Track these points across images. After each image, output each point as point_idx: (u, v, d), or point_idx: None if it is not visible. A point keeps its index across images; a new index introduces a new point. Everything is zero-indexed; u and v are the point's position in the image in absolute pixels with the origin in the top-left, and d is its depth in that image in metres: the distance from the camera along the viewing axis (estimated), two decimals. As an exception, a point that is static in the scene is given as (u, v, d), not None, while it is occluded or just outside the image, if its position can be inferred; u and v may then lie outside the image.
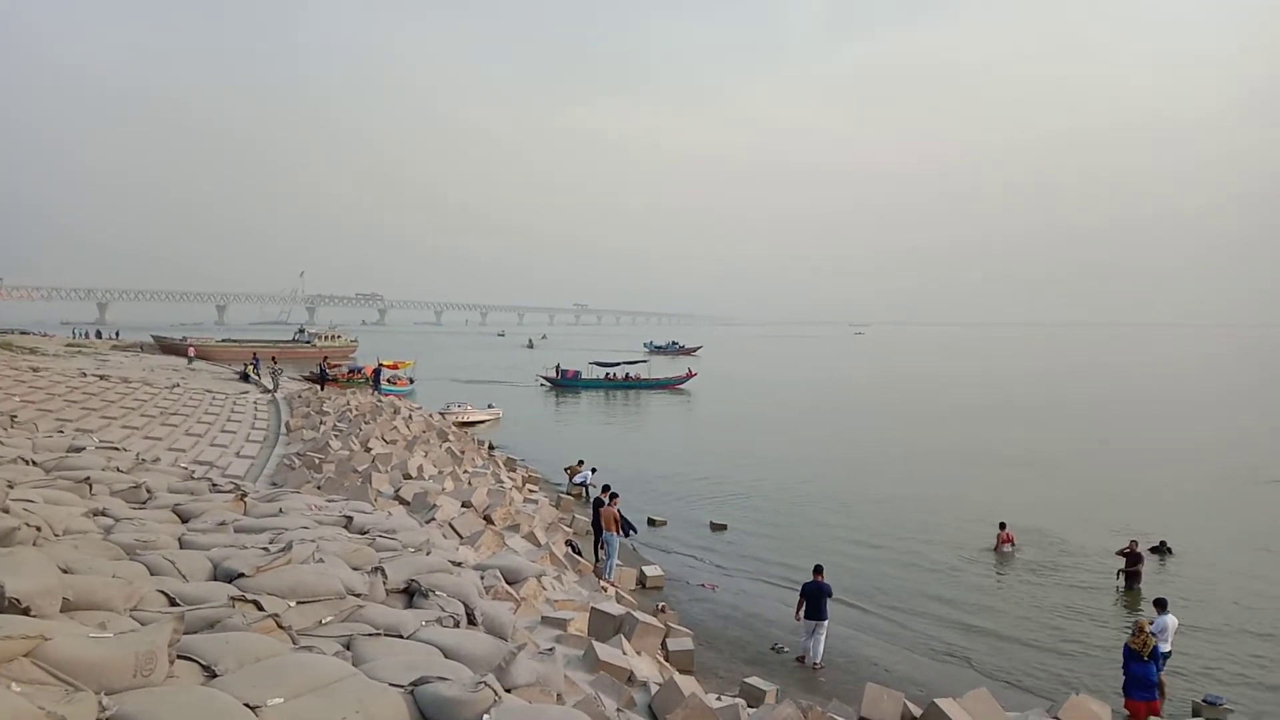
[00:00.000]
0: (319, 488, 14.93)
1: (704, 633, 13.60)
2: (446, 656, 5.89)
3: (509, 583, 9.68)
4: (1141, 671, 10.29)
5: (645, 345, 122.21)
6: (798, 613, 12.86)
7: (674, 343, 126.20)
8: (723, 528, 21.43)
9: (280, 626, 5.80)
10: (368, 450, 20.30)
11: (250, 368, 42.15)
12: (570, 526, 19.37)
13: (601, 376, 62.72)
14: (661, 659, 10.43)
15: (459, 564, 8.99)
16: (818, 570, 13.09)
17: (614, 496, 16.96)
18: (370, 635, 6.01)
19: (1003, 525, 19.73)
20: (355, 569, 7.35)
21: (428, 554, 8.54)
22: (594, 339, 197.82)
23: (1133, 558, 16.84)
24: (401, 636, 6.19)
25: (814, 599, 12.66)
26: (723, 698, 8.54)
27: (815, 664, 12.64)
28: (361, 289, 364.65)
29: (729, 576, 17.66)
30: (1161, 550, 18.56)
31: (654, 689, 7.78)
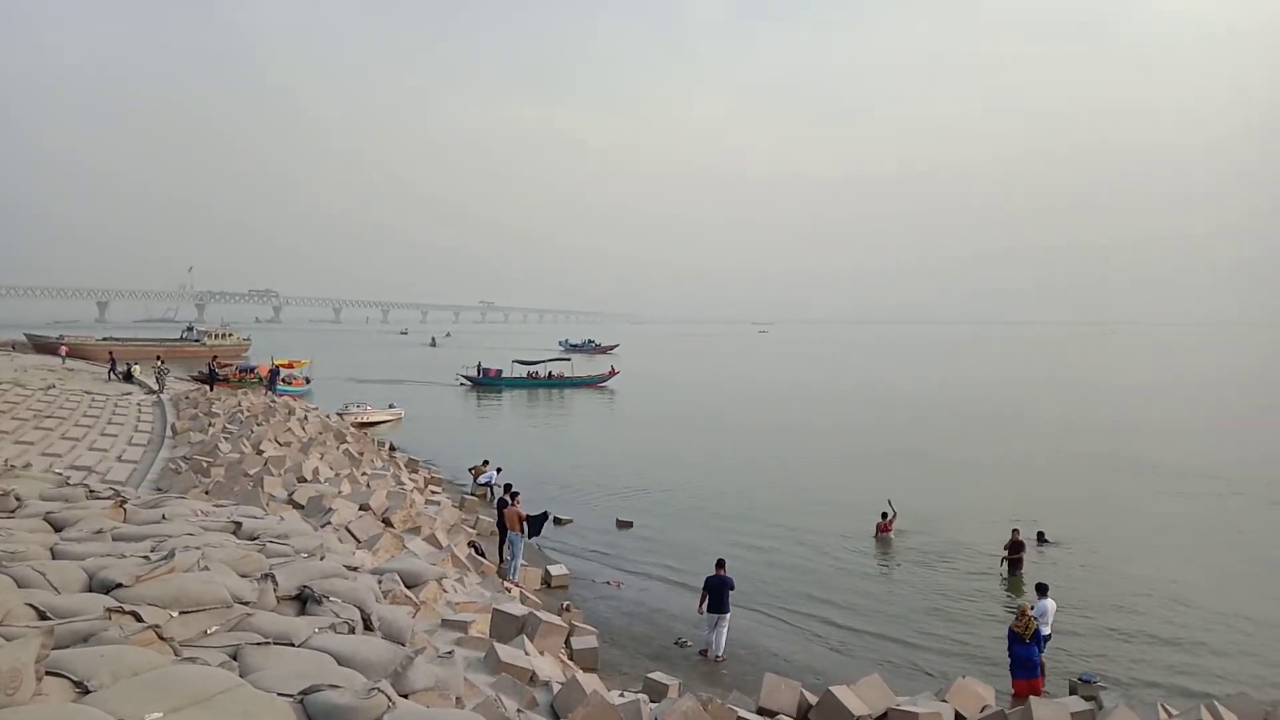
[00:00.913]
0: (207, 493, 14.35)
1: (609, 630, 13.66)
2: (340, 664, 5.75)
3: (408, 586, 9.50)
4: (1024, 653, 10.86)
5: (561, 344, 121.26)
6: (700, 606, 13.05)
7: (590, 341, 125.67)
8: (629, 525, 21.54)
9: (161, 638, 5.57)
10: (260, 453, 19.59)
11: (117, 368, 39.96)
12: (474, 528, 19.14)
13: (524, 375, 62.17)
14: (565, 658, 10.43)
15: (355, 569, 8.78)
16: (720, 564, 13.31)
17: (515, 495, 16.84)
18: (259, 644, 5.82)
19: (884, 515, 20.52)
20: (244, 576, 7.09)
21: (322, 559, 8.31)
22: (502, 337, 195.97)
23: (1015, 546, 17.71)
24: (293, 644, 6.02)
25: (716, 592, 12.86)
26: (625, 694, 8.60)
27: (717, 657, 12.84)
28: (255, 285, 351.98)
29: (634, 573, 17.77)
30: (1041, 539, 19.56)
31: (556, 688, 7.77)
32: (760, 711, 8.48)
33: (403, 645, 6.76)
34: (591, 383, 62.72)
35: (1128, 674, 12.86)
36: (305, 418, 29.19)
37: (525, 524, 16.39)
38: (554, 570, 16.52)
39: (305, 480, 16.60)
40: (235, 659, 5.57)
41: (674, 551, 19.33)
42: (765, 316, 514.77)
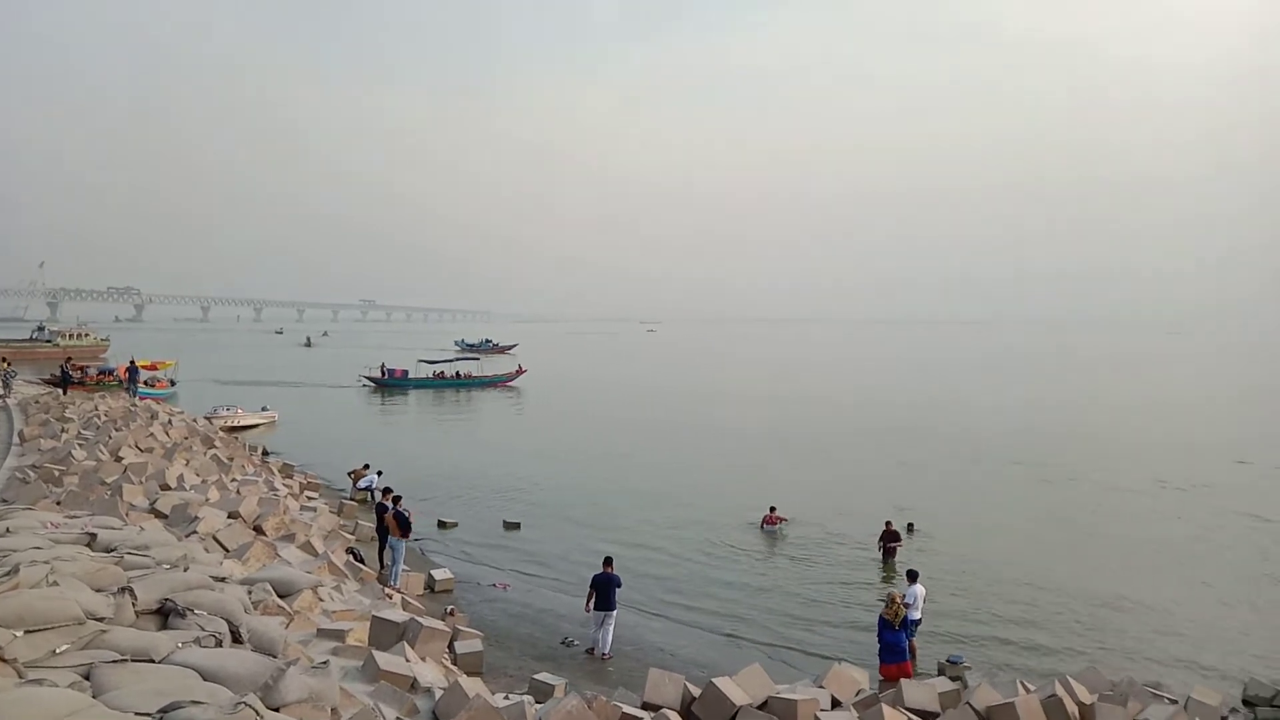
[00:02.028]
0: (59, 503, 13.39)
1: (494, 632, 13.52)
2: (205, 679, 5.49)
3: (281, 596, 9.14)
4: (893, 639, 11.36)
5: (457, 344, 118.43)
6: (588, 604, 13.06)
7: (488, 341, 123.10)
8: (516, 526, 21.34)
9: (3, 660, 5.18)
10: (119, 460, 18.42)
11: None
12: (354, 533, 18.57)
13: (430, 375, 60.98)
14: (449, 663, 10.25)
15: (223, 579, 8.38)
16: (607, 562, 13.36)
17: (397, 500, 16.40)
18: (114, 662, 5.49)
19: (772, 509, 21.13)
20: (99, 591, 6.68)
21: (186, 570, 7.88)
22: (386, 336, 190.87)
23: (889, 536, 18.48)
24: (152, 661, 5.71)
25: (603, 590, 12.91)
26: (510, 696, 8.52)
27: (604, 654, 12.88)
28: (115, 282, 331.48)
29: (521, 574, 17.63)
30: (910, 530, 20.46)
31: (438, 694, 7.62)
32: (645, 706, 8.55)
33: (274, 657, 6.50)
34: (499, 382, 62.21)
35: (991, 654, 13.62)
36: (169, 422, 27.68)
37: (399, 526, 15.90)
38: (438, 574, 16.21)
39: (169, 488, 15.74)
40: (88, 679, 5.25)
41: (562, 551, 19.27)
42: (652, 316, 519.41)
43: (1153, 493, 26.36)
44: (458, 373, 62.15)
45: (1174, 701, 9.45)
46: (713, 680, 8.56)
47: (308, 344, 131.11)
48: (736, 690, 8.42)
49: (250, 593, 8.58)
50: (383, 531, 16.10)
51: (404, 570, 15.58)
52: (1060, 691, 8.43)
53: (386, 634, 9.17)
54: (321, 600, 10.31)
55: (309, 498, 21.05)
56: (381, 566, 15.97)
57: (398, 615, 9.83)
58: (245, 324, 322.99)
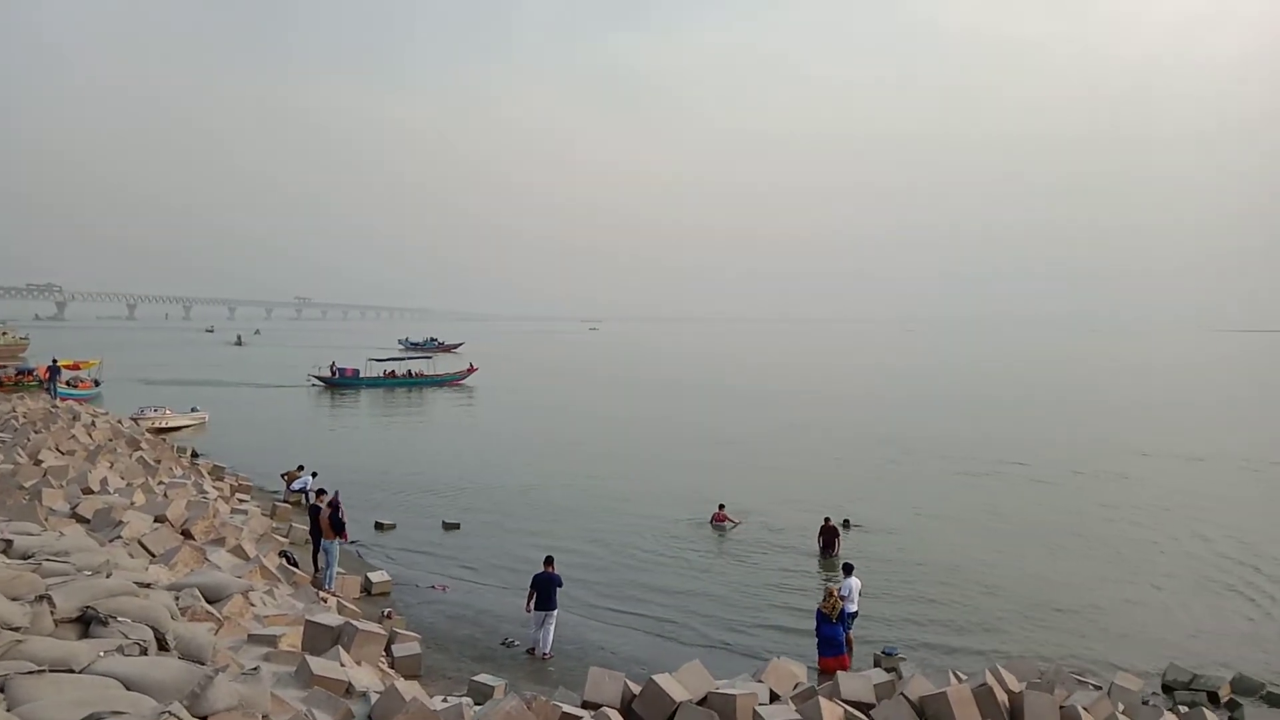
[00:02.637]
0: (-29, 509, 12.78)
1: (433, 635, 13.37)
2: (128, 688, 5.32)
3: (210, 601, 8.88)
4: (830, 632, 11.52)
5: (401, 343, 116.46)
6: (528, 604, 13.00)
7: (433, 339, 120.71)
8: (456, 526, 21.10)
9: (-91, 674, 4.92)
10: (38, 463, 17.70)
11: None
12: (287, 536, 18.16)
13: (381, 374, 60.32)
14: (386, 666, 10.09)
15: (148, 585, 8.11)
16: (548, 561, 13.30)
17: (332, 501, 16.06)
18: (31, 673, 5.26)
19: (721, 506, 21.33)
20: (14, 599, 6.40)
21: (108, 576, 7.61)
22: (323, 335, 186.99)
23: (827, 532, 18.77)
24: (73, 671, 5.49)
25: (544, 589, 12.86)
26: (449, 699, 8.42)
27: (545, 654, 12.83)
28: (34, 279, 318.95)
29: (461, 576, 17.44)
30: (846, 525, 20.81)
31: (374, 698, 7.49)
32: (586, 705, 8.52)
33: (202, 664, 6.31)
34: (450, 380, 61.92)
35: (926, 644, 13.94)
36: (93, 423, 26.67)
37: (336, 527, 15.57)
38: (374, 577, 15.94)
39: (92, 491, 15.15)
40: (3, 691, 5.04)
41: (502, 551, 19.12)
42: (594, 314, 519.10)
43: (1069, 484, 27.46)
44: (409, 371, 61.78)
45: (1098, 688, 9.78)
46: (653, 677, 8.57)
47: (239, 343, 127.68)
48: (676, 687, 8.45)
49: (178, 599, 8.32)
50: (316, 534, 15.77)
51: (339, 573, 15.28)
52: (990, 680, 8.63)
53: (321, 638, 8.97)
54: (253, 605, 10.04)
55: (240, 500, 20.49)
56: (316, 570, 15.64)
57: (332, 619, 9.62)
58: (174, 322, 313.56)
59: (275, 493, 24.25)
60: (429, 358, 67.94)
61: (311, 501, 17.74)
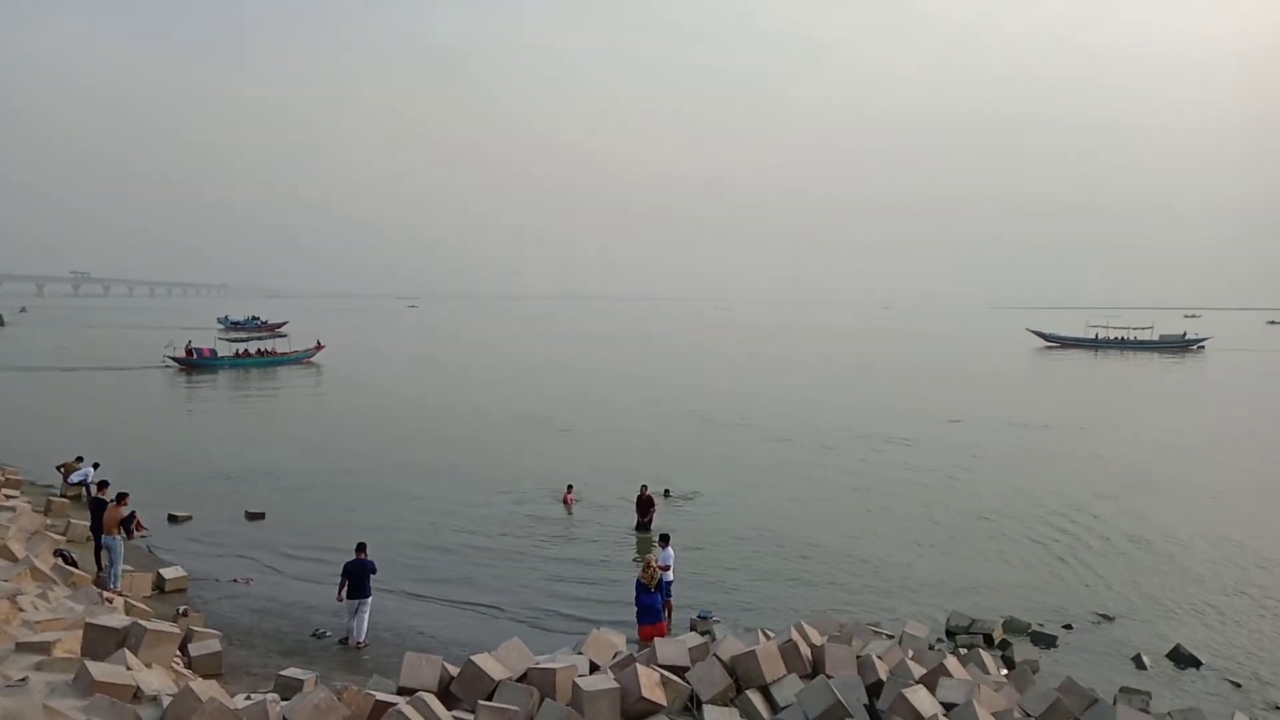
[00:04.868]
0: None
1: (236, 630, 12.65)
2: None
3: (-33, 609, 7.94)
4: (649, 601, 11.84)
5: (220, 321, 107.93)
6: (340, 593, 12.52)
7: (255, 318, 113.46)
8: (260, 516, 19.92)
9: None
10: None
11: None
12: (64, 533, 16.52)
13: (235, 353, 59.65)
14: (181, 667, 9.45)
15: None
16: (360, 548, 12.84)
17: (123, 496, 14.66)
18: None
19: (570, 487, 21.66)
20: None
21: None
22: (104, 314, 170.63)
23: (644, 502, 19.15)
24: None
25: (356, 577, 12.43)
26: (253, 696, 7.99)
27: (359, 643, 12.42)
28: None
29: (266, 567, 16.51)
30: (666, 495, 21.41)
31: (167, 701, 6.98)
32: (401, 691, 8.33)
33: (-45, 680, 5.64)
34: (302, 358, 62.50)
35: (737, 605, 14.60)
36: None
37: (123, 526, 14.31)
38: (168, 573, 14.83)
39: None
40: None
41: (312, 539, 18.21)
42: (407, 290, 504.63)
43: (862, 450, 29.51)
44: (260, 350, 61.77)
45: (891, 636, 10.64)
46: (470, 658, 8.49)
47: (0, 323, 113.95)
48: (495, 665, 8.41)
49: (-74, 609, 7.39)
50: (98, 530, 14.42)
51: (126, 570, 14.06)
52: (795, 636, 9.18)
53: (103, 641, 8.24)
54: (22, 610, 9.10)
55: (7, 496, 18.41)
56: (99, 568, 14.32)
57: (117, 620, 8.86)
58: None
59: (50, 486, 21.97)
60: (284, 336, 67.05)
61: (93, 495, 16.20)
